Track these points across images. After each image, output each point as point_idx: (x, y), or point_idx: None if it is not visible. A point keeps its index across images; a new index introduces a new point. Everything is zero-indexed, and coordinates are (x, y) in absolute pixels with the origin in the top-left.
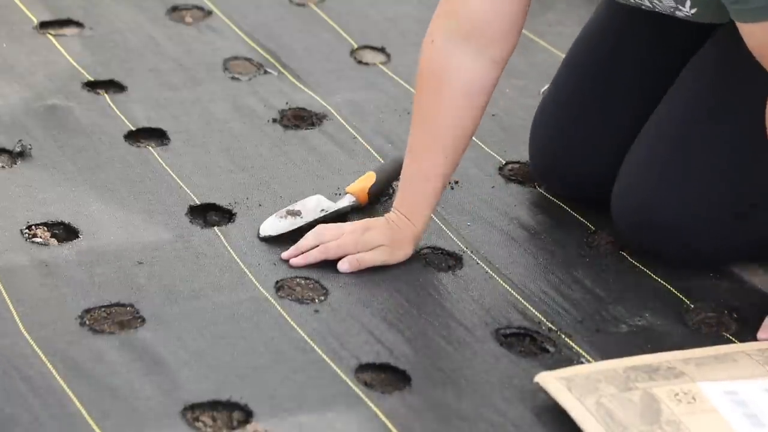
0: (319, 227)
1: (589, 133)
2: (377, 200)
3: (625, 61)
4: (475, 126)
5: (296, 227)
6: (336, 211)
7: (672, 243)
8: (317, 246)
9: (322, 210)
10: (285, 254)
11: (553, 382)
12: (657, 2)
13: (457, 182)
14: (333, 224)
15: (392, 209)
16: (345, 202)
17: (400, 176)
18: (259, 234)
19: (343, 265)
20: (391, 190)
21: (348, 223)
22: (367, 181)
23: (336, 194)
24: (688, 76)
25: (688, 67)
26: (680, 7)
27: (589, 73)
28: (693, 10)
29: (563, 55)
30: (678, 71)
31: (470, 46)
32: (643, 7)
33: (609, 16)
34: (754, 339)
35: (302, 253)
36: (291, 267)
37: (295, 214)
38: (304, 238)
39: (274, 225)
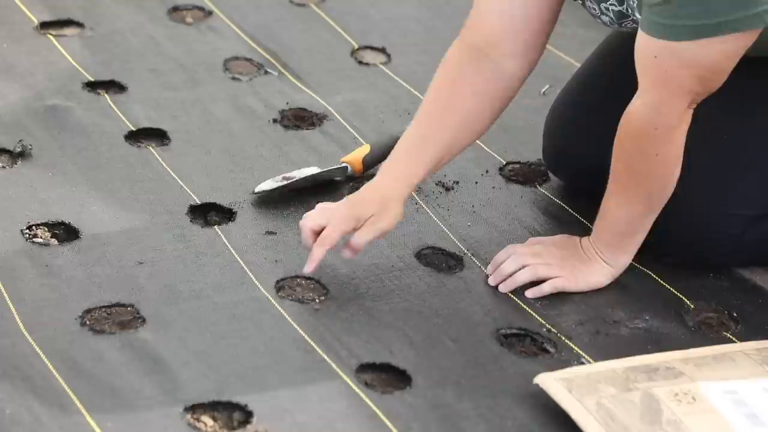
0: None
1: (606, 127)
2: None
3: None
4: (482, 130)
5: (287, 183)
6: (328, 172)
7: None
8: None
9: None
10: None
11: (553, 383)
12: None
13: (457, 182)
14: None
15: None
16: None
17: (399, 140)
18: (254, 191)
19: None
20: None
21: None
22: (362, 151)
23: (335, 194)
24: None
25: None
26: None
27: (619, 64)
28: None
29: (564, 56)
30: None
31: (485, 60)
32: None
33: None
34: (756, 339)
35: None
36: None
37: (289, 178)
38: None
39: (269, 183)
